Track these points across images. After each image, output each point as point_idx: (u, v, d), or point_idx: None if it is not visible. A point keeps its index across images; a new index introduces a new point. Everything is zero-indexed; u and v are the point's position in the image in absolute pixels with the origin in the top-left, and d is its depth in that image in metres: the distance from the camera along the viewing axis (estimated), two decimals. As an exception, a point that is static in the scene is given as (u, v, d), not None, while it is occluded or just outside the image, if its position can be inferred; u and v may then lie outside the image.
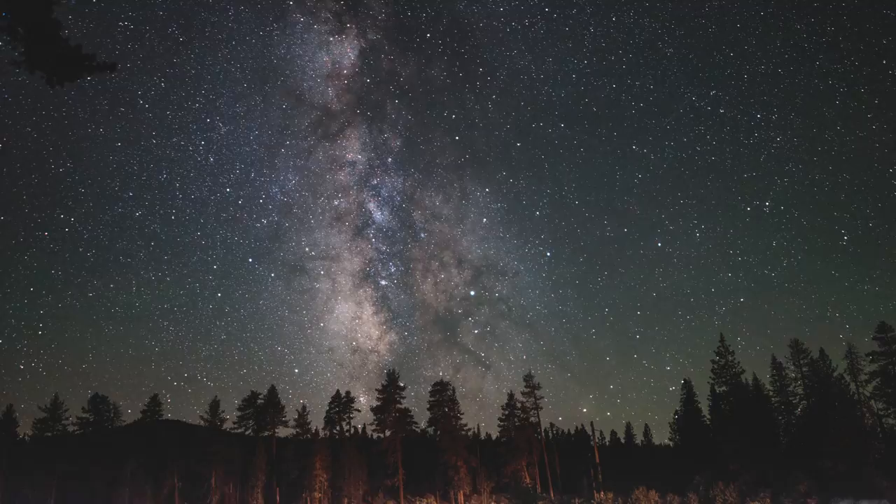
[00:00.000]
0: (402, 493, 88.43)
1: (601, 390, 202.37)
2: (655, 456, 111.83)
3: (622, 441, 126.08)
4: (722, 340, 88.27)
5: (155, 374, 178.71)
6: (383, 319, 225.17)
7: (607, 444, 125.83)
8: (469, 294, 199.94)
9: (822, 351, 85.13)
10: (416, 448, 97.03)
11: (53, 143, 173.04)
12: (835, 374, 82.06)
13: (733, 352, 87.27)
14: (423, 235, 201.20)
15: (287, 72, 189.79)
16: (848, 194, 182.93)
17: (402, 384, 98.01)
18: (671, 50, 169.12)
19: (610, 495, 72.85)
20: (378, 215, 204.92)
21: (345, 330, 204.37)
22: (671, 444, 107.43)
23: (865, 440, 73.15)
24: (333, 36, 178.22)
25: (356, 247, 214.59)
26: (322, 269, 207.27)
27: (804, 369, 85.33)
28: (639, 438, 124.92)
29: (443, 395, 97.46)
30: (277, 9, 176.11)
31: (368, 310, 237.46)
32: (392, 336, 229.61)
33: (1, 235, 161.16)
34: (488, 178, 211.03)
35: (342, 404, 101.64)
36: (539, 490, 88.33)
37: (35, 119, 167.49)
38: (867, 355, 80.00)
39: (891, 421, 79.12)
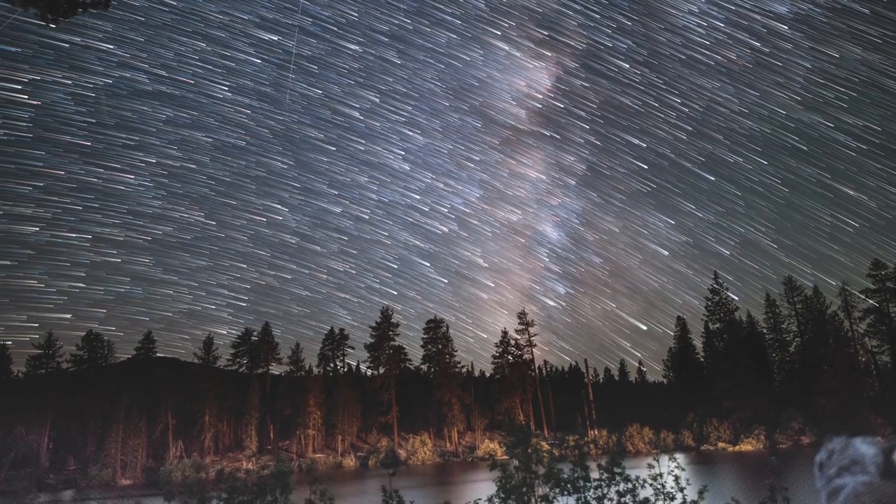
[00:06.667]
0: (396, 430, 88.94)
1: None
2: (649, 393, 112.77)
3: (616, 378, 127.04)
4: (716, 277, 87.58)
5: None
6: (546, 340, 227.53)
7: (601, 381, 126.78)
8: (639, 327, 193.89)
9: (815, 289, 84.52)
10: (410, 385, 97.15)
11: (281, 143, 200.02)
12: (828, 311, 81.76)
13: (727, 288, 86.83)
14: (597, 260, 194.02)
15: (484, 93, 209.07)
16: None
17: (395, 321, 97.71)
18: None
19: (604, 432, 73.11)
20: (553, 235, 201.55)
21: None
22: (665, 381, 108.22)
23: (859, 377, 73.28)
24: (532, 62, 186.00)
25: (527, 263, 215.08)
26: (491, 281, 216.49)
27: (798, 306, 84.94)
28: (632, 376, 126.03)
29: (437, 332, 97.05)
30: (483, 36, 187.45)
31: (532, 328, 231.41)
32: (552, 358, 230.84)
33: (230, 216, 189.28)
34: (673, 209, 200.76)
35: (335, 341, 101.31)
36: (533, 427, 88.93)
37: (272, 123, 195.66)
38: (861, 292, 79.61)
39: (884, 358, 79.17)
